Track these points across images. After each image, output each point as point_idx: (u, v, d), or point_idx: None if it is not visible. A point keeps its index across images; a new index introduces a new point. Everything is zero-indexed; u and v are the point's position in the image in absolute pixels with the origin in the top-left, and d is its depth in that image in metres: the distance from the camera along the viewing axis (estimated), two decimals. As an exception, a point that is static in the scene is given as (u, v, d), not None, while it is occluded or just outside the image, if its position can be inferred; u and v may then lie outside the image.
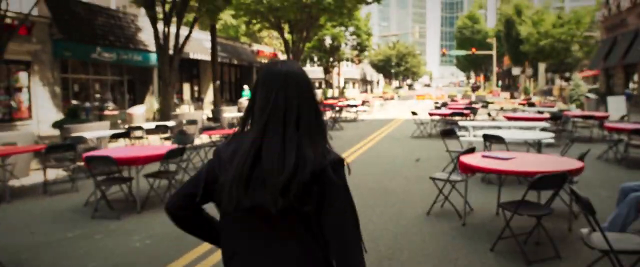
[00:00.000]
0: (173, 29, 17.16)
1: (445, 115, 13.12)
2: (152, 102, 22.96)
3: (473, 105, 16.82)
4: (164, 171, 6.36)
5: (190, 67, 27.53)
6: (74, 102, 17.50)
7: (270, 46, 36.85)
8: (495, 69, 57.29)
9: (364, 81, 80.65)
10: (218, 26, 27.08)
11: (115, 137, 8.73)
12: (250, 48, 34.32)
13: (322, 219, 1.44)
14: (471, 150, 5.29)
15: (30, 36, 15.65)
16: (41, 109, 15.99)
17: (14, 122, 15.22)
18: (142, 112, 14.91)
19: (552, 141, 7.30)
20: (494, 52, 53.88)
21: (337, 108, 18.08)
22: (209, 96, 28.66)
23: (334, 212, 1.43)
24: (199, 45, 25.75)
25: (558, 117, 11.45)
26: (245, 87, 28.57)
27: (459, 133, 10.04)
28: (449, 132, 7.96)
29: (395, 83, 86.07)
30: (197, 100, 27.99)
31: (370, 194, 6.61)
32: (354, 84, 72.54)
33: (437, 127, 14.09)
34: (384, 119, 20.87)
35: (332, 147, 1.53)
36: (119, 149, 7.11)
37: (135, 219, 5.58)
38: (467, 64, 79.72)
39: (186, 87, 27.37)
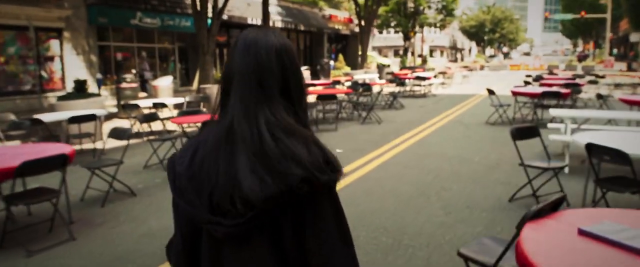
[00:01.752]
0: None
1: (533, 94, 9.68)
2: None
3: (577, 81, 12.96)
4: (36, 190, 4.17)
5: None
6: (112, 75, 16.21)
7: (347, 10, 33.90)
8: (608, 34, 49.49)
9: (454, 49, 74.81)
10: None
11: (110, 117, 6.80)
12: (321, 12, 31.67)
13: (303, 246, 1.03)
14: (553, 205, 2.37)
15: (62, 1, 14.37)
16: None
17: (45, 93, 14.16)
18: (168, 84, 13.05)
19: None
20: (608, 15, 46.30)
21: (401, 80, 14.97)
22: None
23: (314, 242, 1.02)
24: (256, 9, 23.67)
25: None
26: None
27: (551, 128, 6.94)
28: (524, 132, 4.96)
29: (489, 51, 78.99)
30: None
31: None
32: (442, 52, 67.33)
33: (522, 110, 10.72)
34: (463, 95, 17.46)
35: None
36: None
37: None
38: (574, 30, 70.60)
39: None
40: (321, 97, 9.53)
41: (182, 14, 18.94)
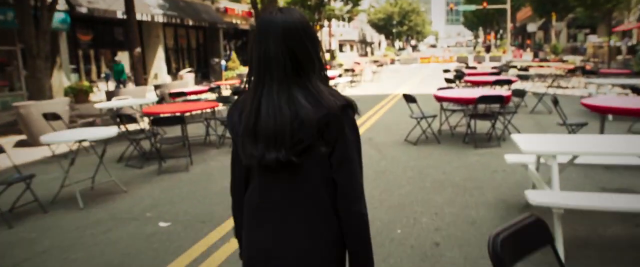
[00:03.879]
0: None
1: (466, 101, 7.10)
2: (60, 79, 17.07)
3: (507, 76, 10.75)
4: None
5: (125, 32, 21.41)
6: None
7: (248, 3, 30.36)
8: (509, 25, 50.47)
9: (364, 43, 73.88)
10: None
11: None
12: (214, 5, 27.96)
13: (331, 163, 1.42)
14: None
15: None
16: None
17: None
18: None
19: None
20: (508, 6, 47.00)
21: None
22: (158, 68, 22.70)
23: (339, 157, 1.41)
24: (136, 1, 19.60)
25: None
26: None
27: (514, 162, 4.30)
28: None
29: (398, 44, 79.12)
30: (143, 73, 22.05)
31: None
32: (351, 46, 65.90)
33: (450, 120, 8.16)
34: (374, 96, 14.88)
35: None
36: None
37: None
38: (475, 22, 72.45)
39: (125, 57, 21.23)
40: (161, 122, 6.21)
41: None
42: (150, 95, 12.33)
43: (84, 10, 17.54)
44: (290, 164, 1.38)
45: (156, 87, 13.45)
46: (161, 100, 9.17)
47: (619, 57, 25.93)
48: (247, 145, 1.42)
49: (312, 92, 1.38)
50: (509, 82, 9.76)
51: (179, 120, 6.12)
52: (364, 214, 1.42)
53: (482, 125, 7.89)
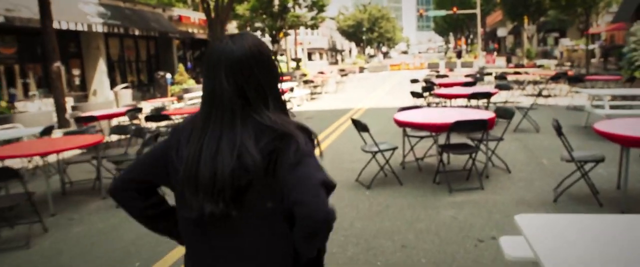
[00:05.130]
0: None
1: (435, 127, 5.19)
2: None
3: (484, 88, 8.99)
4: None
5: (66, 42, 19.22)
6: None
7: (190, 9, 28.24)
8: (479, 30, 49.61)
9: (334, 51, 72.38)
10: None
11: None
12: (167, 13, 25.77)
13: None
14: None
15: None
16: None
17: None
18: None
19: None
20: (478, 10, 46.06)
21: None
22: (98, 83, 20.34)
23: (299, 204, 1.19)
24: (71, 9, 17.37)
25: None
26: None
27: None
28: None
29: (369, 51, 77.87)
30: (80, 89, 19.76)
31: None
32: (321, 54, 64.24)
33: (417, 148, 6.29)
34: (334, 111, 12.97)
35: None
36: None
37: None
38: (446, 27, 71.77)
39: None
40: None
41: None
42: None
43: (0, 19, 15.18)
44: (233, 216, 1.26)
45: (73, 108, 11.27)
46: (49, 130, 7.08)
47: (594, 61, 24.82)
48: (188, 194, 1.28)
49: (263, 128, 1.26)
50: (488, 95, 7.97)
51: (7, 174, 4.03)
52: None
53: (459, 157, 6.04)
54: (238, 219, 1.26)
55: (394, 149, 5.48)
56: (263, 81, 1.29)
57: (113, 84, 21.29)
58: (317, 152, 1.32)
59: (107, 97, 19.14)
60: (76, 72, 20.05)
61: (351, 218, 4.44)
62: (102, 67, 20.56)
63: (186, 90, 17.42)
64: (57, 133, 9.46)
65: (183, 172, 1.28)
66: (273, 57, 1.36)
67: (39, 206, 5.41)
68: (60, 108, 13.02)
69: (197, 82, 23.13)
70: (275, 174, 1.23)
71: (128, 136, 6.58)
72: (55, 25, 16.10)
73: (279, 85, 1.35)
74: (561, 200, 4.55)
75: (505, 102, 9.33)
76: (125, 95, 16.21)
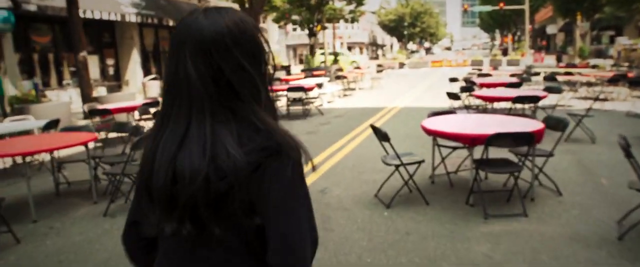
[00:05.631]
0: None
1: (469, 138, 4.29)
2: (6, 89, 14.69)
3: (532, 92, 7.95)
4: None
5: (101, 32, 19.26)
6: None
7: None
8: (527, 26, 47.25)
9: (374, 45, 71.11)
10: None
11: None
12: (202, 4, 25.51)
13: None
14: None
15: None
16: None
17: None
18: None
19: None
20: (526, 6, 43.83)
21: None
22: (132, 74, 20.29)
23: (273, 230, 0.99)
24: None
25: None
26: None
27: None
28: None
29: (411, 47, 76.10)
30: (114, 78, 19.75)
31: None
32: (361, 49, 63.11)
33: (449, 159, 5.43)
34: (365, 110, 12.14)
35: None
36: None
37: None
38: (491, 23, 69.08)
39: (93, 61, 18.77)
40: None
41: None
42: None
43: (32, 7, 15.15)
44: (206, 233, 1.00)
45: (94, 99, 10.95)
46: (54, 123, 6.63)
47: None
48: (144, 208, 1.08)
49: (253, 128, 0.98)
50: (535, 99, 6.96)
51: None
52: None
53: (495, 178, 5.14)
54: (209, 237, 1.01)
55: (420, 162, 4.63)
56: (250, 67, 1.02)
57: (147, 75, 21.22)
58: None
59: (140, 88, 19.03)
60: (110, 61, 20.04)
61: (360, 249, 3.66)
62: (135, 57, 20.50)
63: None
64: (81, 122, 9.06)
65: (137, 181, 1.09)
66: (262, 40, 1.06)
67: (24, 210, 4.92)
68: (86, 98, 12.81)
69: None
70: (259, 191, 0.98)
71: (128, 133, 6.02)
72: (88, 14, 16.03)
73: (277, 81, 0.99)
74: (629, 238, 3.61)
75: (555, 105, 8.24)
76: (154, 87, 15.93)
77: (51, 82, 17.49)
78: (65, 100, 15.02)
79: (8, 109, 12.35)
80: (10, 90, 14.63)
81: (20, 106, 9.70)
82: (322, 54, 30.71)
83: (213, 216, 0.98)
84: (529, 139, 3.99)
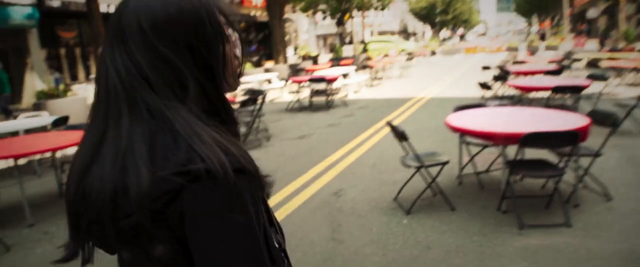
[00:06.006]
0: None
1: (501, 138, 3.74)
2: (32, 82, 14.83)
3: (574, 81, 7.24)
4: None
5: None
6: None
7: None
8: (567, 10, 45.12)
9: (406, 33, 69.69)
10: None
11: None
12: (228, -5, 25.24)
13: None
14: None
15: None
16: None
17: None
18: None
19: None
20: (566, -12, 41.78)
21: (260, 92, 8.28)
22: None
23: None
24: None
25: None
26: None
27: None
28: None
29: (444, 34, 74.23)
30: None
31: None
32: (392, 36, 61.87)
33: (478, 158, 4.87)
34: (391, 100, 11.55)
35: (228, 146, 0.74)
36: None
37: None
38: (528, 8, 66.50)
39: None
40: None
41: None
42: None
43: (56, 3, 15.18)
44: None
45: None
46: (64, 120, 6.42)
47: None
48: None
49: (171, 136, 0.75)
50: (578, 89, 6.26)
51: None
52: None
53: (533, 183, 4.54)
54: (128, 263, 0.82)
55: (443, 164, 4.09)
56: (179, 60, 0.79)
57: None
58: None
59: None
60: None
61: (374, 262, 3.18)
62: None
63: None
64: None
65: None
66: (219, 21, 0.82)
67: (19, 214, 4.67)
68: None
69: (256, 65, 22.48)
70: (168, 225, 0.73)
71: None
72: (107, 8, 15.95)
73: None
74: (696, 257, 3.00)
75: (600, 94, 7.48)
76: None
77: (79, 77, 17.60)
78: (91, 94, 15.04)
79: (29, 104, 12.37)
80: (37, 86, 14.75)
81: (39, 102, 9.62)
82: (362, 42, 30.09)
83: (122, 241, 0.77)
84: (572, 139, 3.40)
